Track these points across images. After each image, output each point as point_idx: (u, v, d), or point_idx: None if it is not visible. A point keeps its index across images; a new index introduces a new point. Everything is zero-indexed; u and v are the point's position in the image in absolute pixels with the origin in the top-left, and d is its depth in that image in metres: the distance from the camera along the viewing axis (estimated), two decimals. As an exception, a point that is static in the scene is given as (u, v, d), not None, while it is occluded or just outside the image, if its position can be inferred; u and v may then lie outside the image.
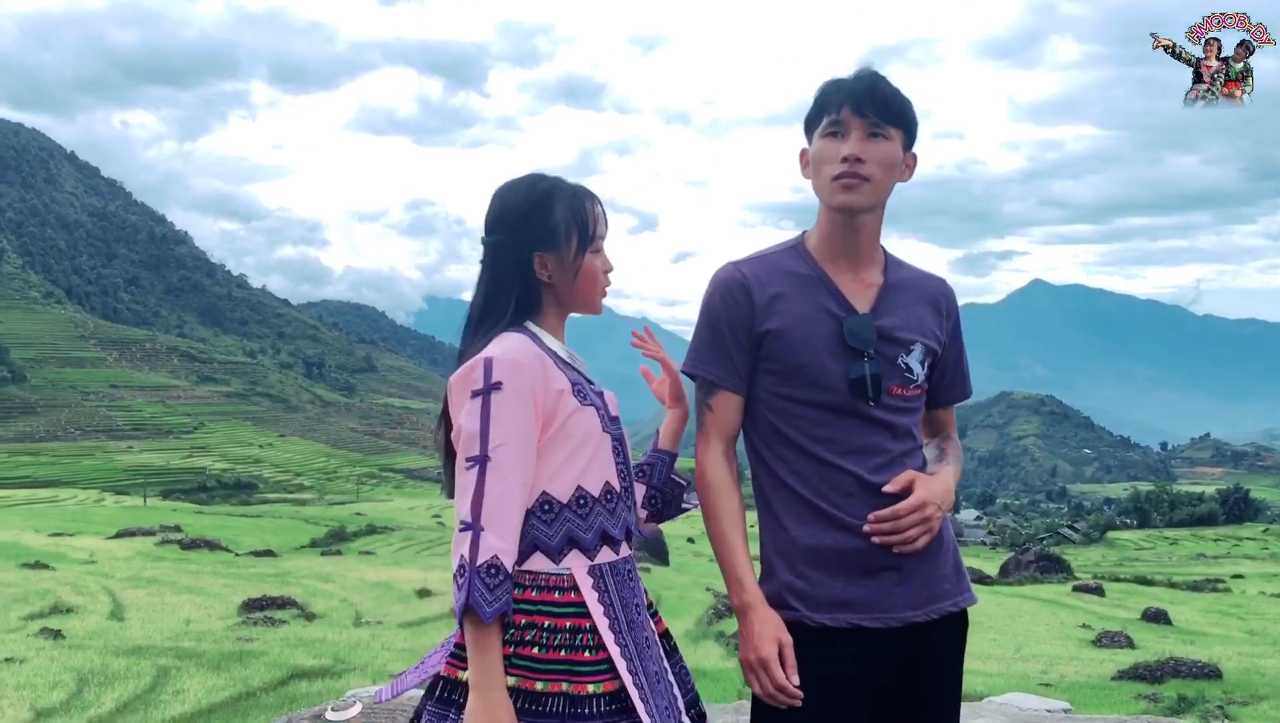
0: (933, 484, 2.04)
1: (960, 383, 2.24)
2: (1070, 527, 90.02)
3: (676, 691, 2.03)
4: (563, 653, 1.88)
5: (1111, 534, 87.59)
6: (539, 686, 1.86)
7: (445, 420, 2.00)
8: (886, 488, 2.00)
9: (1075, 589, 25.86)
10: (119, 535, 30.35)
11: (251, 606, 13.91)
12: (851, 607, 2.01)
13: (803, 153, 2.12)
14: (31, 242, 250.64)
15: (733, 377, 2.08)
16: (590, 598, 1.92)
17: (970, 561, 37.89)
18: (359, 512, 70.55)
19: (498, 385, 1.87)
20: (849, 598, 2.01)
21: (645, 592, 2.07)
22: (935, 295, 2.18)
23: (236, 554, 26.22)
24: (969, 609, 2.14)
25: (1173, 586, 31.77)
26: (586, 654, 1.89)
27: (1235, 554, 67.91)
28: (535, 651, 1.87)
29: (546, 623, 1.89)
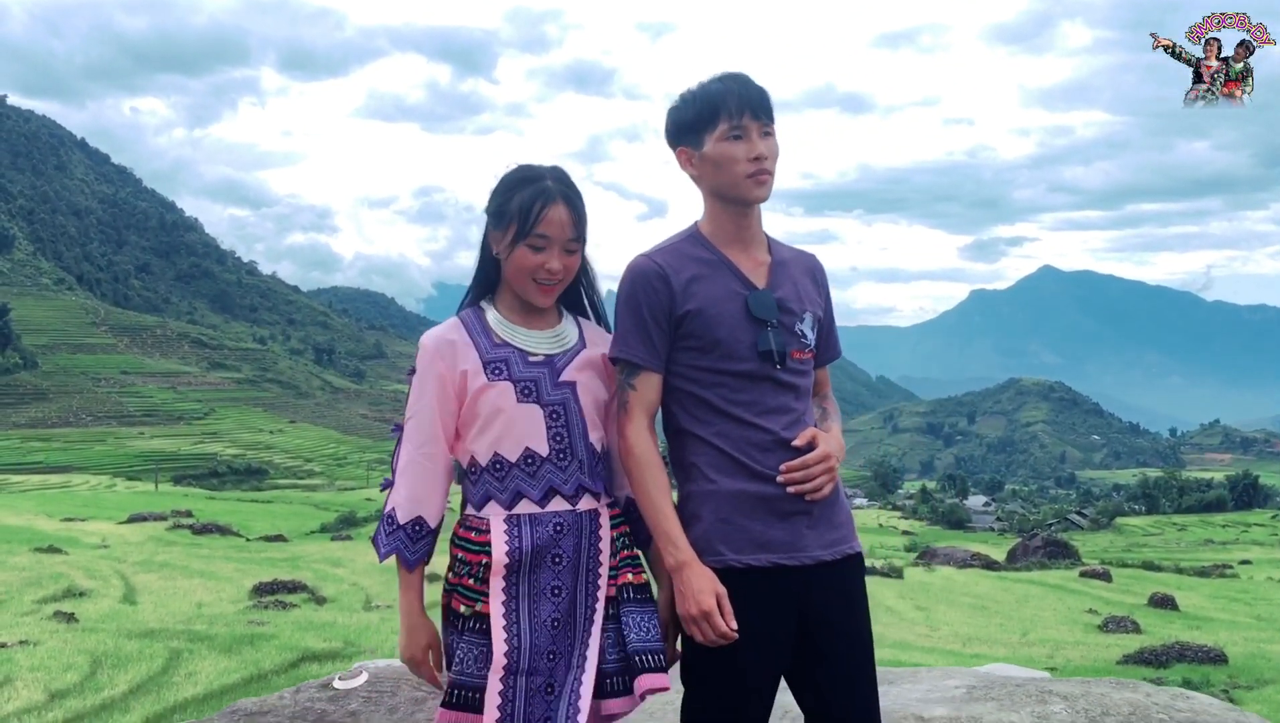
0: (830, 439, 2.34)
1: (833, 345, 2.54)
2: (1078, 513, 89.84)
3: (593, 641, 2.27)
4: (469, 581, 2.25)
5: (1119, 520, 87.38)
6: (462, 608, 2.26)
7: None
8: (795, 442, 2.29)
9: (1082, 575, 25.86)
10: (131, 520, 30.50)
11: (262, 589, 14.01)
12: (770, 547, 2.27)
13: (683, 152, 2.36)
14: (42, 228, 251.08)
15: (655, 358, 2.32)
16: (497, 540, 2.24)
17: (978, 546, 37.93)
18: (369, 498, 70.70)
19: (413, 369, 2.30)
20: (768, 539, 2.27)
21: (608, 547, 2.33)
22: (812, 269, 2.49)
23: (247, 539, 26.33)
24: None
25: (1180, 571, 31.73)
26: (471, 582, 2.25)
27: (1244, 540, 67.73)
28: (451, 576, 2.29)
29: (461, 556, 2.28)
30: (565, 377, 2.30)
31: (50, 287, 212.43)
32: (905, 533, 64.42)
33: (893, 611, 17.07)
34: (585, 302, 2.49)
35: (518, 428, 2.24)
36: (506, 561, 2.22)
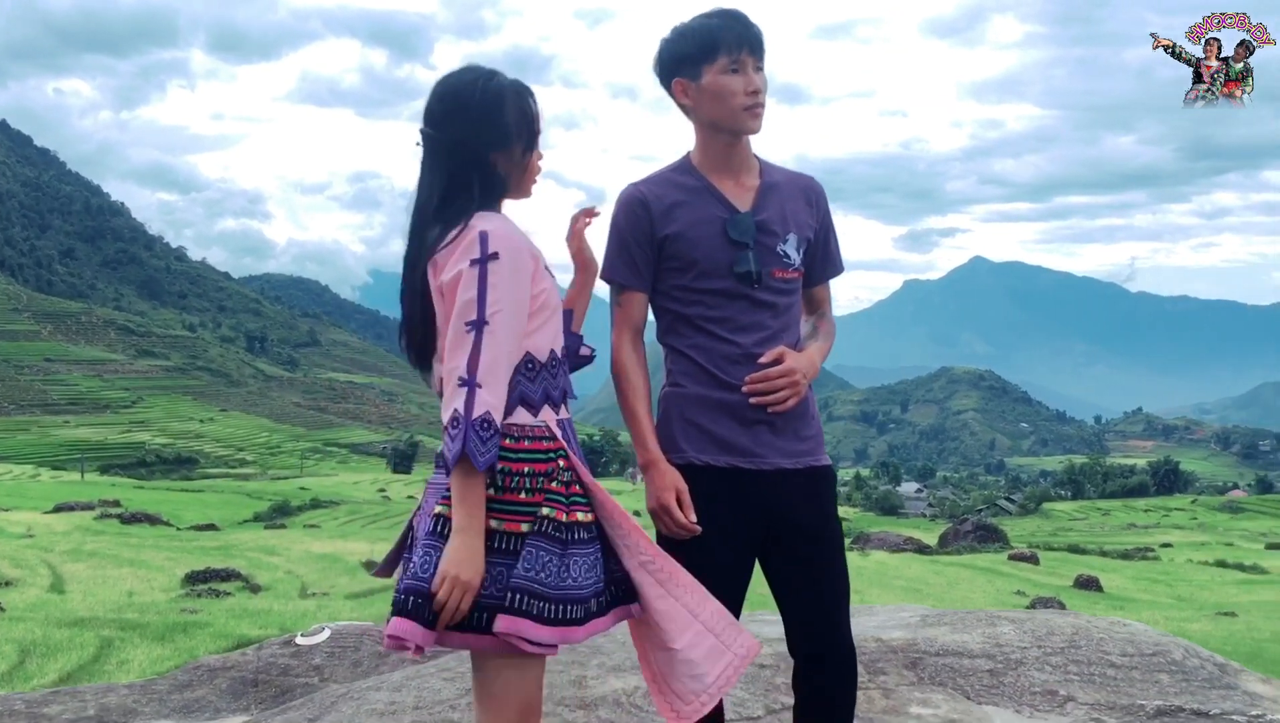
0: (800, 358, 2.46)
1: (830, 263, 2.63)
2: (1007, 498, 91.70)
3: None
4: (544, 496, 2.09)
5: (1046, 505, 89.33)
6: (524, 527, 2.06)
7: (412, 294, 2.16)
8: (761, 359, 2.41)
9: (1011, 558, 26.43)
10: (57, 510, 29.92)
11: (195, 578, 13.85)
12: (731, 450, 2.42)
13: (679, 84, 2.45)
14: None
15: (637, 278, 2.48)
16: (565, 445, 2.16)
17: (910, 531, 38.51)
18: (303, 486, 69.91)
19: (495, 255, 2.05)
20: (730, 443, 2.42)
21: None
22: (806, 190, 2.57)
23: (178, 528, 25.95)
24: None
25: (1104, 554, 32.55)
26: (576, 487, 2.14)
27: (1164, 524, 69.63)
28: (522, 495, 2.08)
29: (527, 470, 2.09)
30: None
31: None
32: (840, 519, 65.18)
33: (827, 594, 17.28)
34: None
35: (558, 324, 2.24)
36: (580, 464, 2.17)
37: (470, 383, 2.00)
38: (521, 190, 2.27)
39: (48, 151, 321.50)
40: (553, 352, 2.19)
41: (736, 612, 2.43)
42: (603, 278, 2.51)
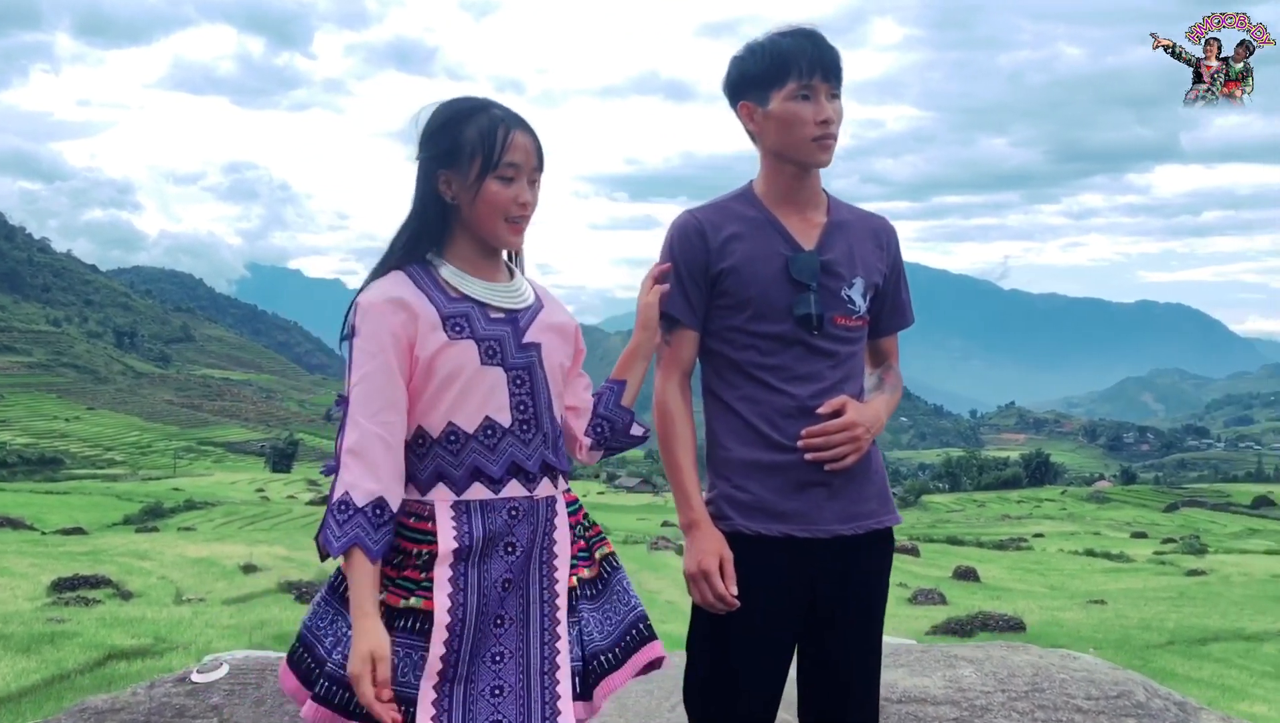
0: (864, 410, 2.22)
1: (899, 313, 2.41)
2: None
3: (562, 643, 2.03)
4: (411, 571, 1.94)
5: (925, 498, 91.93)
6: (400, 602, 1.94)
7: None
8: (820, 410, 2.18)
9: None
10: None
11: (62, 585, 13.27)
12: (784, 518, 2.18)
13: (745, 107, 2.24)
14: None
15: (689, 314, 2.25)
16: (443, 528, 1.95)
17: (795, 525, 39.10)
18: (177, 487, 67.83)
19: (354, 330, 1.94)
20: (782, 510, 2.18)
21: (565, 536, 2.06)
22: (877, 232, 2.35)
23: (43, 532, 24.92)
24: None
25: (981, 545, 33.60)
26: (420, 573, 1.94)
27: (1036, 515, 72.26)
28: (392, 570, 1.95)
29: (404, 546, 1.96)
30: (530, 337, 2.03)
31: None
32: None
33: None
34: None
35: (478, 394, 1.97)
36: (455, 546, 1.94)
37: (333, 467, 1.94)
38: (479, 225, 2.01)
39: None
40: (451, 426, 1.96)
41: (777, 699, 2.24)
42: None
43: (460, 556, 1.94)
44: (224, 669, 4.34)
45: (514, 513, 1.99)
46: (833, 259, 2.24)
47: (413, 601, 1.93)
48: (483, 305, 2.01)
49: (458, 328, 1.96)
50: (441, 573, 1.93)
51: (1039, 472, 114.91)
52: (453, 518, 1.95)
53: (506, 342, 1.99)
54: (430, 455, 1.98)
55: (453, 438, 1.97)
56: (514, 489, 1.99)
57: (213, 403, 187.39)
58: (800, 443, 2.17)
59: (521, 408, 2.00)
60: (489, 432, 1.98)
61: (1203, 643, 12.32)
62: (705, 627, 2.22)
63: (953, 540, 35.77)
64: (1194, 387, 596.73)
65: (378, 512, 1.89)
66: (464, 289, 2.01)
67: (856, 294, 2.25)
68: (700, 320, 2.26)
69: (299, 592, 13.42)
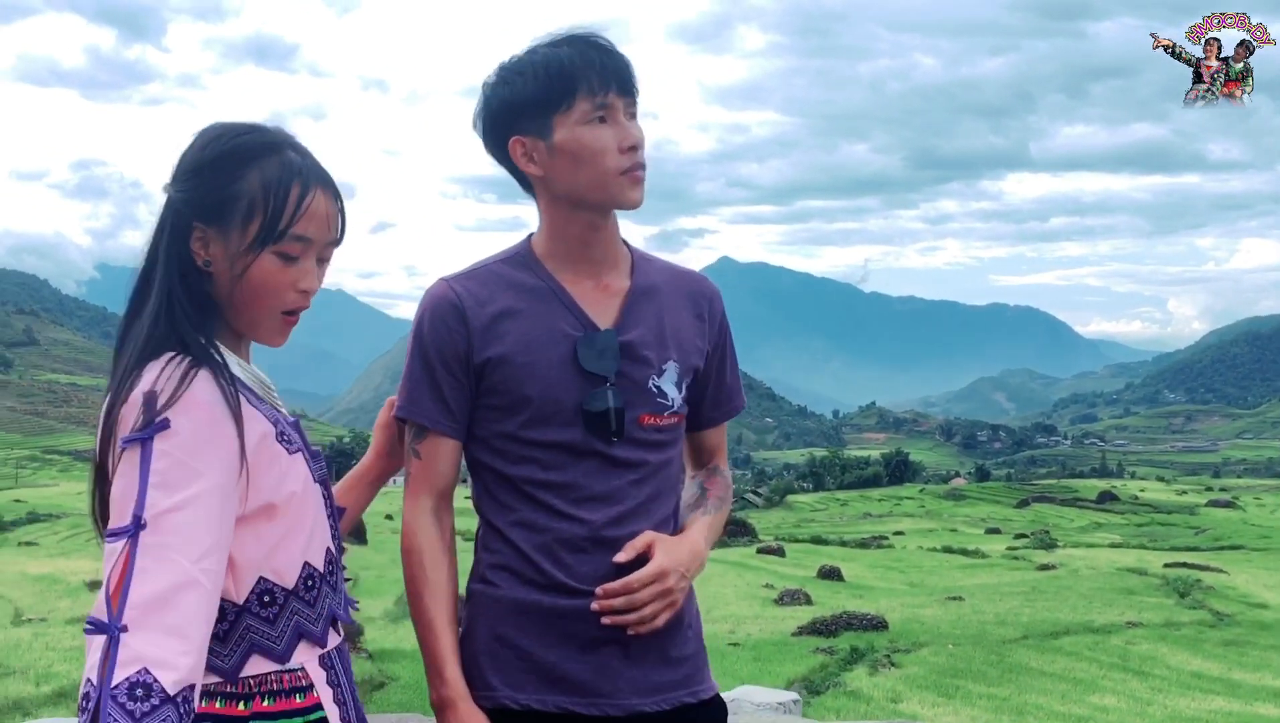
0: (677, 548, 1.69)
1: (727, 398, 1.90)
2: (754, 492, 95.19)
3: None
4: None
5: (790, 497, 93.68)
6: None
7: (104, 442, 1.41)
8: (618, 557, 1.66)
9: (759, 551, 27.50)
10: None
11: (-114, 609, 12.42)
12: (564, 687, 1.68)
13: (520, 143, 1.71)
14: None
15: (446, 418, 1.72)
16: (325, 696, 1.47)
17: (663, 527, 39.38)
18: (18, 498, 64.45)
19: (163, 425, 1.32)
20: (561, 675, 1.67)
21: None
22: (695, 296, 1.83)
23: None
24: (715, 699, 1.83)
25: (844, 544, 34.37)
26: None
27: (897, 513, 74.34)
28: None
29: None
30: (315, 445, 1.57)
31: None
32: None
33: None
34: None
35: (321, 521, 1.50)
36: (339, 714, 1.50)
37: (109, 627, 1.25)
38: (244, 311, 1.47)
39: None
40: (308, 568, 1.47)
41: None
42: (398, 415, 1.76)
43: (347, 720, 1.52)
44: None
45: (346, 650, 1.58)
46: (637, 339, 1.73)
47: None
48: (275, 408, 1.52)
49: (287, 438, 1.46)
50: None
51: (899, 470, 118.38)
52: (326, 680, 1.49)
53: (308, 450, 1.53)
54: (285, 614, 1.44)
55: (310, 583, 1.47)
56: (332, 641, 1.54)
57: (58, 410, 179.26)
58: (596, 605, 1.64)
59: (334, 532, 1.56)
60: (330, 567, 1.52)
61: (1054, 637, 12.82)
62: None
63: (817, 540, 36.49)
64: (1042, 386, 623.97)
65: (186, 705, 1.26)
66: (257, 388, 1.50)
67: (669, 384, 1.75)
68: (462, 425, 1.73)
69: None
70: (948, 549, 32.83)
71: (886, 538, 39.94)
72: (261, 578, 1.42)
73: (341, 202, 1.52)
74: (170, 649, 1.25)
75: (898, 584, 21.97)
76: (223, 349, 1.45)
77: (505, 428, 1.71)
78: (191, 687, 1.27)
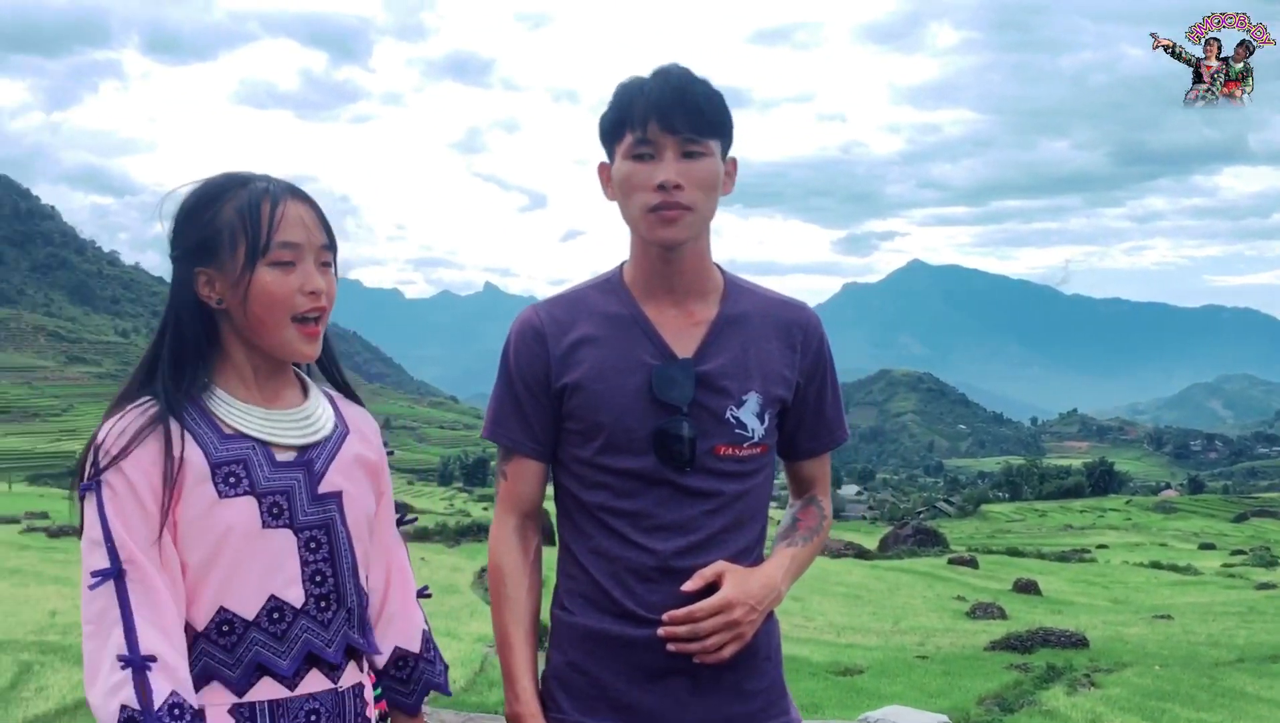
0: (749, 581, 1.67)
1: (825, 430, 1.86)
2: (946, 501, 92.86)
3: None
4: None
5: (985, 507, 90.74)
6: None
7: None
8: (686, 586, 1.65)
9: (951, 562, 26.68)
10: (-14, 522, 29.05)
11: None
12: (632, 715, 1.68)
13: (603, 168, 1.76)
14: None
15: (529, 440, 1.76)
16: None
17: (850, 535, 38.76)
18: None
19: (98, 482, 1.46)
20: (629, 703, 1.68)
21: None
22: (787, 327, 1.79)
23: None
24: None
25: (1042, 557, 32.98)
26: None
27: (1100, 525, 70.94)
28: None
29: None
30: (327, 486, 1.58)
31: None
32: (778, 523, 65.56)
33: (770, 602, 17.32)
34: (329, 369, 1.73)
35: (257, 566, 1.51)
36: None
37: (131, 661, 1.42)
38: (257, 328, 1.54)
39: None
40: (224, 612, 1.49)
41: None
42: (485, 436, 1.81)
43: None
44: None
45: (315, 715, 1.55)
46: (715, 369, 1.71)
47: None
48: (266, 444, 1.55)
49: (232, 479, 1.50)
50: None
51: (1103, 481, 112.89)
52: None
53: (296, 493, 1.54)
54: (194, 651, 1.49)
55: (225, 628, 1.49)
56: (314, 682, 1.55)
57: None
58: (663, 631, 1.64)
59: (318, 580, 1.55)
60: (275, 615, 1.51)
61: (1274, 661, 11.96)
62: None
63: (1013, 552, 35.13)
64: (1264, 393, 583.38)
65: (199, 716, 1.47)
66: (239, 424, 1.54)
67: (749, 415, 1.72)
68: (546, 448, 1.76)
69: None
70: (1156, 565, 31.09)
71: (1089, 551, 38.14)
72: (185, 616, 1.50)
73: (319, 208, 1.58)
74: (181, 666, 1.43)
75: (1100, 600, 20.95)
76: (218, 388, 1.55)
77: (582, 453, 1.72)
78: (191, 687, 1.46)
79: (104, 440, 1.46)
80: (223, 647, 1.50)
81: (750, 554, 1.74)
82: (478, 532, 24.43)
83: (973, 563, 26.31)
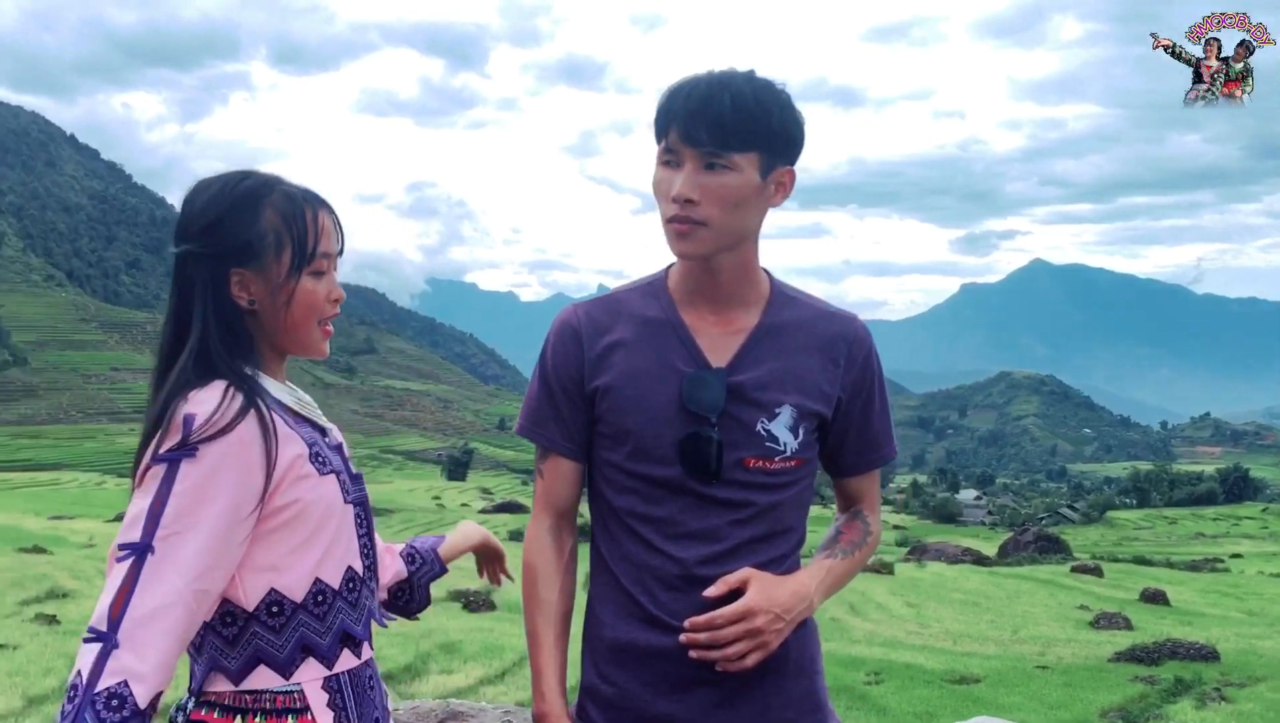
0: (776, 588, 1.62)
1: (871, 446, 1.81)
2: (1069, 506, 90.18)
3: None
4: None
5: (1111, 514, 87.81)
6: None
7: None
8: (708, 592, 1.61)
9: (1074, 570, 25.87)
10: (119, 518, 30.36)
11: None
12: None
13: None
14: (32, 225, 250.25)
15: (564, 439, 1.74)
16: (324, 719, 1.54)
17: (969, 541, 37.98)
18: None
19: (192, 451, 1.43)
20: (657, 713, 1.66)
21: (386, 695, 1.73)
22: (832, 339, 1.74)
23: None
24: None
25: (1171, 566, 31.78)
26: None
27: (1234, 534, 68.04)
28: None
29: None
30: (353, 465, 1.70)
31: (40, 283, 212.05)
32: (896, 527, 64.54)
33: (883, 607, 17.03)
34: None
35: (344, 539, 1.59)
36: None
37: (105, 637, 1.37)
38: (291, 334, 1.61)
39: (115, 165, 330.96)
40: (319, 583, 1.55)
41: None
42: (518, 432, 1.80)
43: None
44: None
45: (372, 681, 1.65)
46: (749, 380, 1.67)
47: None
48: (320, 427, 1.65)
49: (320, 458, 1.57)
50: None
51: (1237, 487, 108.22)
52: (329, 704, 1.56)
53: (346, 471, 1.64)
54: (292, 625, 1.53)
55: (320, 598, 1.55)
56: (366, 651, 1.64)
57: (394, 413, 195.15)
58: (684, 638, 1.61)
59: (365, 551, 1.65)
60: (351, 584, 1.60)
61: None
62: None
63: (1140, 560, 33.92)
64: None
65: (151, 710, 1.40)
66: (298, 407, 1.62)
67: (781, 428, 1.67)
68: (581, 448, 1.75)
69: (467, 600, 13.70)
70: (1294, 576, 29.69)
71: (1222, 561, 36.62)
72: (272, 589, 1.52)
73: (336, 215, 1.66)
74: (150, 663, 1.38)
75: (1233, 612, 20.06)
76: (264, 377, 1.59)
77: (613, 458, 1.70)
78: (159, 695, 1.40)
79: (209, 412, 1.44)
80: (316, 616, 1.55)
81: (782, 564, 1.70)
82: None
83: (1097, 571, 25.46)
